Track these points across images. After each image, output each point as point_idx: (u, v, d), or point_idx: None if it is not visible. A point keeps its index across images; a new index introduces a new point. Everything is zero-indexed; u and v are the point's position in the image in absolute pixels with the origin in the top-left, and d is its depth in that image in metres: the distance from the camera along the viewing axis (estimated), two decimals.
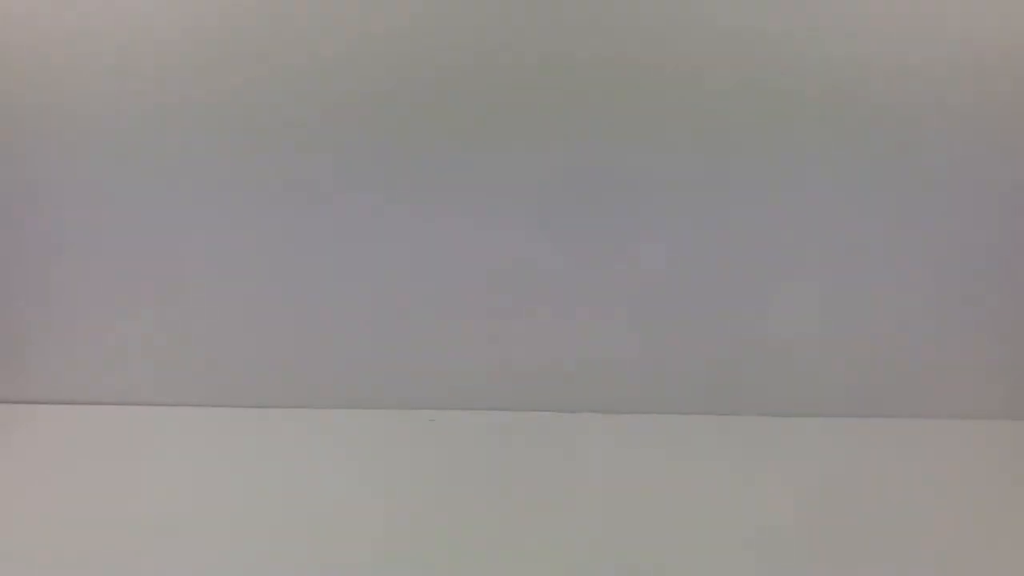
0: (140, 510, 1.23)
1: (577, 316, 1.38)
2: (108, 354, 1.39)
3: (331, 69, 1.26)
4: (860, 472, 1.31)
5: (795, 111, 1.27)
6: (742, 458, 1.34)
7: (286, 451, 1.34)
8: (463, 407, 1.41)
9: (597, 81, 1.26)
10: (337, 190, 1.32)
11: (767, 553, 1.19)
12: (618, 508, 1.25)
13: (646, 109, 1.28)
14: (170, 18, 1.23)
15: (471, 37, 1.24)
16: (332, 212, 1.33)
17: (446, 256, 1.35)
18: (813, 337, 1.39)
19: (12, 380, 1.40)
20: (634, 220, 1.33)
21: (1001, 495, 1.29)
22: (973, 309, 1.37)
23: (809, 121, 1.28)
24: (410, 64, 1.26)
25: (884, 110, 1.27)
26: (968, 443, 1.37)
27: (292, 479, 1.29)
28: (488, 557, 1.17)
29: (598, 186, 1.31)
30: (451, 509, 1.24)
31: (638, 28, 1.24)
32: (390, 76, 1.26)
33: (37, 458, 1.32)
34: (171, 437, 1.36)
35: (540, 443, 1.36)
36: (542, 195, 1.32)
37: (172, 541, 1.19)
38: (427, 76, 1.26)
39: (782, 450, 1.35)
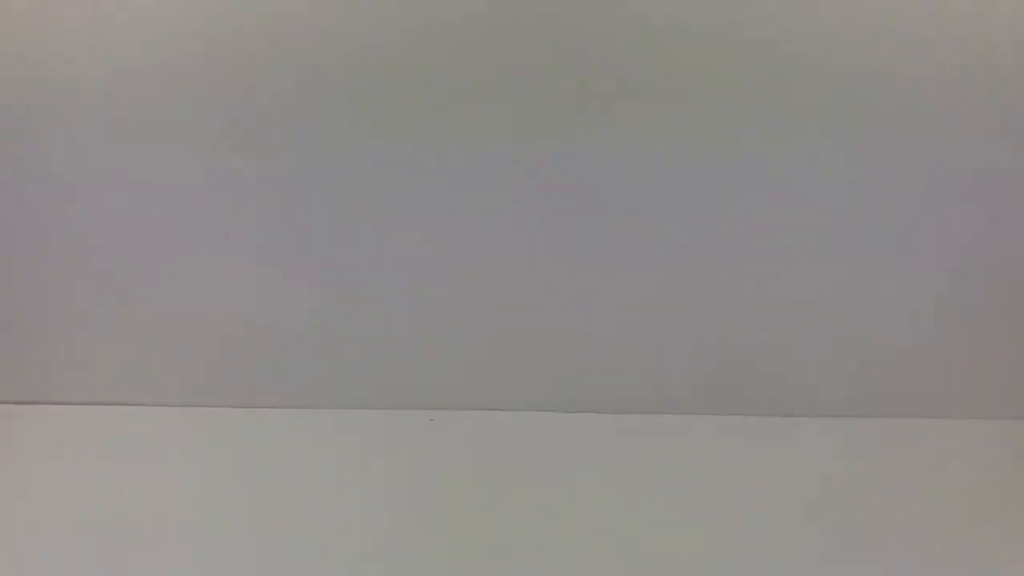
0: (140, 511, 1.23)
1: (577, 315, 1.38)
2: (107, 354, 1.39)
3: (324, 62, 1.25)
4: (860, 472, 1.32)
5: (798, 108, 1.27)
6: (742, 458, 1.34)
7: (286, 451, 1.34)
8: (463, 407, 1.41)
9: (597, 76, 1.26)
10: (336, 187, 1.31)
11: (767, 553, 1.19)
12: (618, 508, 1.25)
13: (645, 106, 1.27)
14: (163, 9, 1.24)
15: (470, 29, 1.24)
16: (330, 210, 1.33)
17: (446, 254, 1.35)
18: (813, 337, 1.39)
19: (12, 380, 1.40)
20: (635, 219, 1.33)
21: (1001, 495, 1.29)
22: (974, 309, 1.37)
23: (812, 118, 1.28)
24: (411, 57, 1.26)
25: (888, 108, 1.27)
26: (968, 443, 1.37)
27: (292, 480, 1.29)
28: (488, 557, 1.18)
29: (599, 184, 1.31)
30: (451, 509, 1.24)
31: (635, 20, 1.24)
32: (391, 70, 1.26)
33: (37, 458, 1.32)
34: (171, 437, 1.36)
35: (540, 443, 1.36)
36: (542, 193, 1.32)
37: (172, 542, 1.19)
38: (426, 67, 1.26)
39: (782, 450, 1.35)
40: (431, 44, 1.25)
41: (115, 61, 1.25)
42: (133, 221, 1.33)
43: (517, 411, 1.40)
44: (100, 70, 1.25)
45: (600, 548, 1.19)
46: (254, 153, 1.30)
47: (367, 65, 1.26)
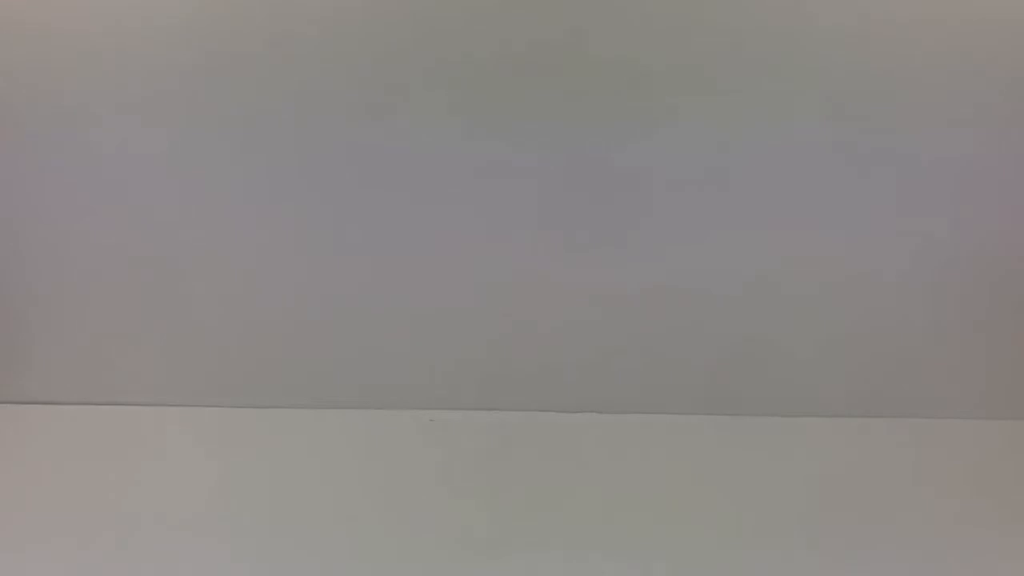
0: (140, 511, 1.23)
1: (577, 315, 1.38)
2: (108, 354, 1.39)
3: (328, 61, 1.25)
4: (860, 472, 1.32)
5: (798, 108, 1.27)
6: (742, 458, 1.34)
7: (286, 451, 1.34)
8: (463, 407, 1.41)
9: (597, 76, 1.26)
10: (337, 188, 1.32)
11: (767, 553, 1.19)
12: (618, 508, 1.25)
13: (645, 107, 1.27)
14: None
15: (475, 27, 1.24)
16: (330, 210, 1.33)
17: (446, 255, 1.35)
18: (813, 337, 1.39)
19: (12, 380, 1.40)
20: (634, 219, 1.33)
21: (1001, 495, 1.29)
22: (973, 309, 1.37)
23: (811, 121, 1.28)
24: (412, 57, 1.26)
25: (887, 108, 1.27)
26: (968, 443, 1.37)
27: (292, 479, 1.29)
28: (488, 557, 1.18)
29: (598, 184, 1.31)
30: (451, 509, 1.24)
31: (635, 20, 1.24)
32: (390, 69, 1.26)
33: (37, 458, 1.32)
34: (171, 437, 1.36)
35: (540, 443, 1.36)
36: (542, 193, 1.32)
37: (171, 542, 1.19)
38: (426, 66, 1.26)
39: (782, 450, 1.35)
40: (431, 43, 1.25)
41: (114, 59, 1.25)
42: (133, 221, 1.33)
43: (517, 411, 1.40)
44: (99, 70, 1.25)
45: (600, 547, 1.19)
46: (255, 153, 1.30)
47: (368, 64, 1.26)
